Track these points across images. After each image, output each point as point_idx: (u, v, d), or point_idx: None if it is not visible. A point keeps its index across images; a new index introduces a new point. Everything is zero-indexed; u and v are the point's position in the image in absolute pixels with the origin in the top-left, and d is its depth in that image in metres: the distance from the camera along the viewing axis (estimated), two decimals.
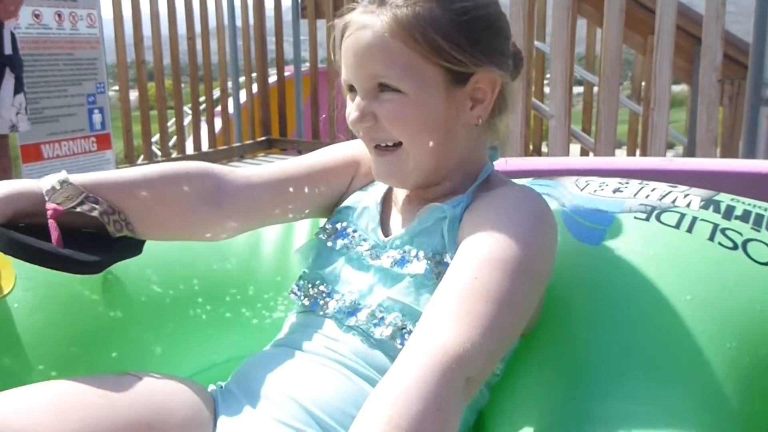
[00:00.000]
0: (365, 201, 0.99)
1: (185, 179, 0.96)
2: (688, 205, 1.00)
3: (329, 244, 0.98)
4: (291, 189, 1.00)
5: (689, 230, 0.94)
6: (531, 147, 4.49)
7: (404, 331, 0.85)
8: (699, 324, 0.85)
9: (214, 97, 4.78)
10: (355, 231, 0.97)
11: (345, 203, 1.02)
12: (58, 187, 0.88)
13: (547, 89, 3.38)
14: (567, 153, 2.88)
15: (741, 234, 0.93)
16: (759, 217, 0.97)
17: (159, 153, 4.56)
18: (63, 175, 0.90)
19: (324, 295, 0.94)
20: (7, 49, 2.15)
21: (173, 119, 4.58)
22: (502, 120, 0.95)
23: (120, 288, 1.02)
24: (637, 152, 4.16)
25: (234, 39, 4.78)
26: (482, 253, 0.77)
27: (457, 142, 0.90)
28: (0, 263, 0.95)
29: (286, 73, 5.10)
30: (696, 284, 0.88)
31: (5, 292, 0.95)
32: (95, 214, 0.87)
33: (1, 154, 2.24)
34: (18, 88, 2.19)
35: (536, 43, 4.09)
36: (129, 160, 4.13)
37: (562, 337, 0.90)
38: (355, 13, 0.87)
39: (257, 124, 5.09)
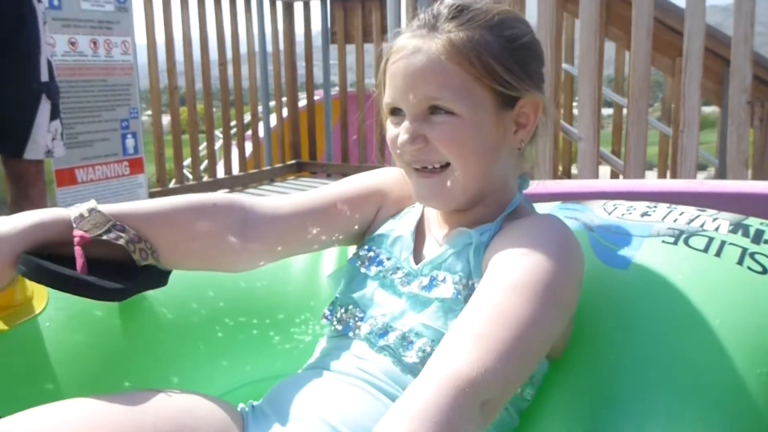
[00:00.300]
0: (399, 230, 1.01)
1: (212, 211, 0.98)
2: (716, 229, 0.99)
3: (363, 270, 1.00)
4: (317, 220, 1.02)
5: (718, 254, 0.94)
6: (561, 169, 4.47)
7: None
8: (729, 349, 0.84)
9: (245, 121, 4.86)
10: (389, 259, 0.98)
11: (379, 231, 1.03)
12: (86, 215, 0.90)
13: (575, 111, 3.38)
14: (596, 175, 2.86)
15: None
16: None
17: (191, 177, 4.63)
18: (92, 203, 0.92)
19: (357, 318, 0.95)
20: (44, 77, 2.21)
21: (205, 143, 4.66)
22: (533, 146, 0.97)
23: (150, 310, 1.04)
24: (668, 174, 4.11)
25: (265, 64, 4.86)
26: (503, 279, 0.78)
27: (500, 166, 0.93)
28: (33, 283, 0.98)
29: (316, 97, 5.16)
30: (725, 309, 0.87)
31: (37, 311, 0.97)
32: (121, 242, 0.89)
33: (37, 178, 2.29)
34: (54, 114, 2.25)
35: (565, 65, 4.09)
36: (161, 183, 4.21)
37: (591, 362, 0.90)
38: (404, 37, 0.90)
39: (287, 147, 5.15)
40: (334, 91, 5.14)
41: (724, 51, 2.81)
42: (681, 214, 1.04)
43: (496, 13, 0.90)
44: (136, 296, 1.02)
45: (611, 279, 0.95)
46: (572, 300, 0.84)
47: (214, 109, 4.58)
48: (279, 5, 4.89)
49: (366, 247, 1.02)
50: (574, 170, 4.57)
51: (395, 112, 0.92)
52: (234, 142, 4.74)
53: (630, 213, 1.07)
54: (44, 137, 2.22)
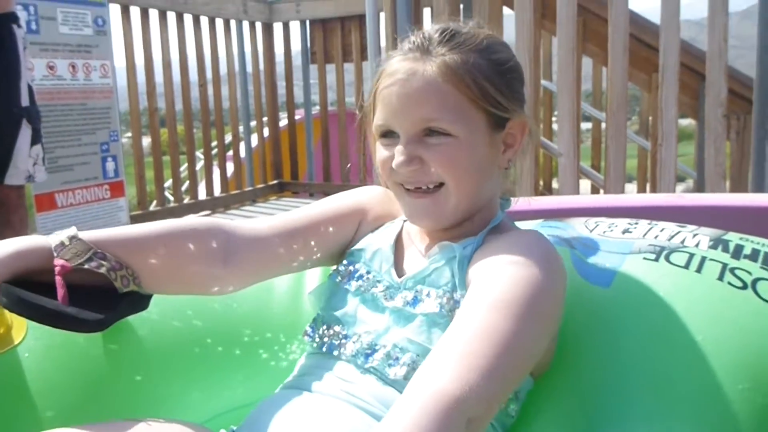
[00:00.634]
0: (377, 243, 1.01)
1: (193, 236, 0.98)
2: (696, 245, 1.00)
3: (344, 285, 1.00)
4: (298, 241, 1.02)
5: (698, 270, 0.95)
6: (542, 184, 4.50)
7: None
8: (711, 365, 0.85)
9: (226, 141, 4.84)
10: (369, 272, 0.98)
11: (357, 246, 1.03)
12: (67, 242, 0.90)
13: (555, 126, 3.41)
14: (577, 190, 2.88)
15: (750, 273, 0.94)
16: None
17: (172, 198, 4.60)
18: (72, 231, 0.91)
19: (340, 336, 0.95)
20: (24, 101, 2.19)
21: (186, 164, 4.64)
22: (514, 164, 0.99)
23: (131, 335, 1.03)
24: (647, 187, 4.15)
25: (245, 85, 4.86)
26: (486, 296, 0.78)
27: (489, 185, 0.95)
28: (12, 314, 0.96)
29: (297, 117, 5.17)
30: (706, 324, 0.88)
31: (16, 342, 0.96)
32: (103, 270, 0.89)
33: (18, 204, 2.26)
34: (35, 139, 2.23)
35: (543, 81, 4.14)
36: (142, 206, 4.18)
37: (575, 378, 0.90)
38: (395, 60, 0.92)
39: (269, 167, 5.14)
40: (315, 110, 5.16)
41: (700, 66, 2.86)
42: (662, 231, 1.05)
43: (483, 38, 0.92)
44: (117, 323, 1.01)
45: (593, 296, 0.95)
46: (555, 315, 0.84)
47: (194, 130, 4.56)
48: (258, 26, 4.90)
49: (345, 261, 1.03)
50: (554, 185, 4.61)
51: (387, 134, 0.93)
52: (215, 163, 4.72)
53: (611, 230, 1.08)
54: (25, 162, 2.20)
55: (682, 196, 1.89)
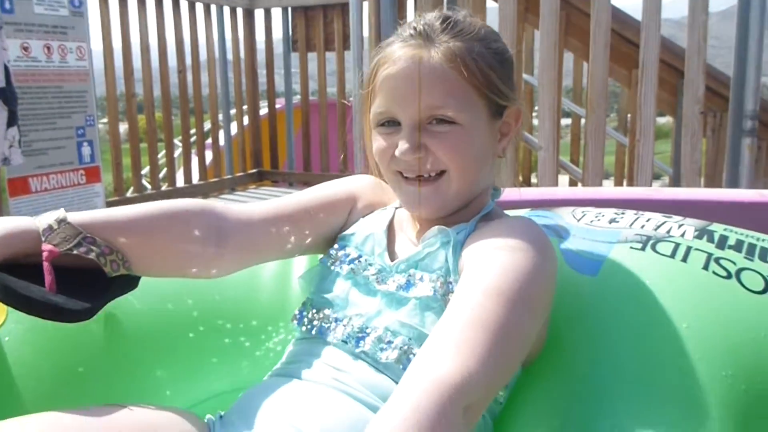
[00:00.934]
0: (370, 227, 1.01)
1: (185, 218, 0.97)
2: (682, 235, 1.01)
3: (335, 269, 0.99)
4: (289, 226, 1.02)
5: (684, 260, 0.96)
6: (521, 178, 4.53)
7: (409, 354, 0.86)
8: (696, 353, 0.86)
9: (205, 129, 4.80)
10: (360, 256, 0.98)
11: (349, 230, 1.03)
12: (55, 226, 0.88)
13: (535, 121, 3.43)
14: (556, 184, 2.91)
15: (734, 263, 0.95)
16: (752, 247, 0.99)
17: (149, 186, 4.55)
18: (61, 213, 0.89)
19: (330, 320, 0.94)
20: (0, 82, 2.15)
21: (164, 151, 4.58)
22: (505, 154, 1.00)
23: (114, 319, 1.02)
24: (624, 183, 4.20)
25: (225, 71, 4.81)
26: (481, 283, 0.78)
27: (486, 172, 0.96)
28: None
29: (277, 106, 5.13)
30: (692, 313, 0.89)
31: None
32: (92, 256, 0.87)
33: None
34: (11, 121, 2.19)
35: (525, 76, 4.16)
36: (118, 193, 4.12)
37: (562, 366, 0.91)
38: (396, 47, 0.91)
39: (248, 156, 5.11)
40: (296, 99, 5.12)
41: (679, 63, 2.89)
42: (648, 221, 1.06)
43: (481, 27, 0.93)
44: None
45: (581, 285, 0.96)
46: (547, 301, 0.85)
47: (173, 117, 4.51)
48: (239, 12, 4.85)
49: (336, 246, 1.02)
50: (533, 179, 4.64)
51: (387, 122, 0.93)
52: (194, 151, 4.67)
53: (598, 219, 1.09)
54: (1, 144, 2.16)
55: (658, 190, 1.92)
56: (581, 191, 1.93)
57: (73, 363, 0.96)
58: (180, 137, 4.66)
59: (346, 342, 0.91)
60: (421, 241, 0.95)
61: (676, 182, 3.12)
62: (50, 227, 0.88)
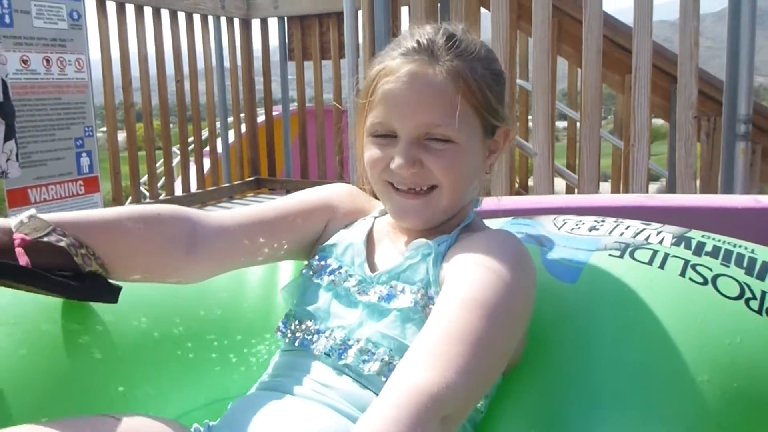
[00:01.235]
0: (350, 238, 1.02)
1: (157, 221, 0.97)
2: (660, 242, 1.03)
3: (315, 280, 1.00)
4: (264, 233, 1.02)
5: (661, 266, 0.97)
6: (517, 183, 4.54)
7: (391, 366, 0.86)
8: (673, 358, 0.87)
9: (203, 137, 4.81)
10: (341, 267, 0.99)
11: (329, 241, 1.04)
12: (26, 221, 0.89)
13: (530, 125, 3.44)
14: (552, 190, 2.92)
15: (711, 270, 0.96)
16: (728, 253, 1.01)
17: (147, 194, 4.57)
18: (31, 211, 0.91)
19: (312, 332, 0.95)
20: None
21: (162, 160, 4.60)
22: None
23: (100, 330, 1.02)
24: (621, 186, 4.20)
25: (222, 80, 4.83)
26: (459, 296, 0.79)
27: (473, 187, 0.98)
28: None
29: (275, 113, 5.15)
30: (669, 319, 0.90)
31: None
32: (62, 244, 0.88)
33: None
34: (8, 135, 2.21)
35: (519, 81, 4.17)
36: (117, 202, 4.14)
37: (542, 373, 0.92)
38: (399, 61, 0.92)
39: (246, 164, 5.12)
40: (293, 106, 5.14)
41: (671, 68, 2.91)
42: (627, 228, 1.08)
43: (481, 46, 0.95)
44: (87, 316, 1.00)
45: (561, 292, 0.98)
46: (526, 313, 0.86)
47: (171, 126, 4.53)
48: (236, 21, 4.88)
49: (317, 257, 1.03)
50: (530, 183, 4.64)
51: (383, 134, 0.93)
52: (192, 159, 4.69)
53: (579, 227, 1.10)
54: None
55: (652, 197, 1.93)
56: (563, 199, 1.95)
57: (62, 374, 0.97)
58: (178, 146, 4.68)
59: (329, 355, 0.92)
60: (401, 253, 0.96)
61: (672, 186, 3.13)
62: (21, 222, 0.89)
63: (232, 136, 5.02)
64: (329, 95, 4.82)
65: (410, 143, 0.91)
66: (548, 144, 2.80)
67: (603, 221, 1.12)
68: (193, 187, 4.65)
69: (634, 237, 1.05)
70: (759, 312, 0.91)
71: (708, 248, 1.01)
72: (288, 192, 5.10)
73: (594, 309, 0.95)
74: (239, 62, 4.93)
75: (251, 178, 5.13)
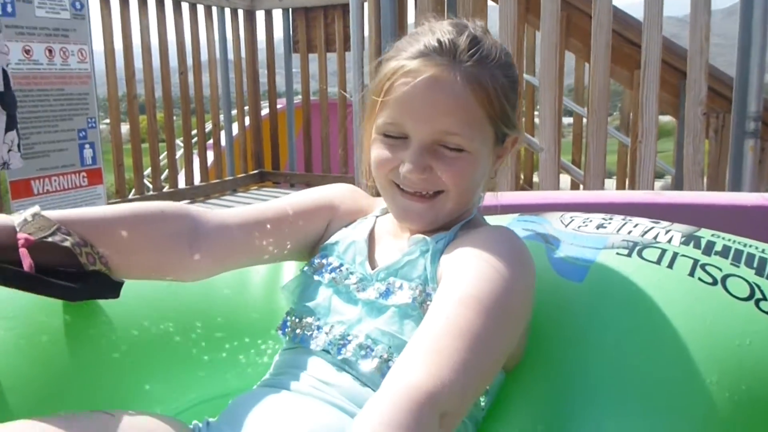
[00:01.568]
0: (352, 236, 1.01)
1: (160, 218, 0.97)
2: (669, 241, 1.01)
3: (316, 277, 0.99)
4: (266, 232, 1.01)
5: (670, 266, 0.95)
6: (522, 179, 4.51)
7: (389, 363, 0.86)
8: (681, 359, 0.85)
9: (206, 130, 4.80)
10: (342, 265, 0.98)
11: (331, 240, 1.03)
12: (30, 219, 0.88)
13: (537, 120, 3.42)
14: (557, 186, 2.89)
15: (720, 270, 0.94)
16: (738, 253, 0.98)
17: (151, 186, 4.56)
18: (35, 209, 0.90)
19: (312, 327, 0.95)
20: None
21: (165, 153, 4.59)
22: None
23: (99, 327, 1.01)
24: (626, 183, 4.18)
25: (226, 72, 4.82)
26: (457, 292, 0.78)
27: (478, 191, 0.98)
28: None
29: (278, 106, 5.13)
30: (677, 320, 0.88)
31: None
32: (67, 244, 0.87)
33: None
34: (10, 125, 2.19)
35: (526, 75, 4.14)
36: (120, 194, 4.13)
37: (546, 372, 0.91)
38: (419, 61, 0.89)
39: (250, 157, 5.11)
40: (297, 99, 5.12)
41: (681, 63, 2.87)
42: (635, 226, 1.06)
43: (500, 51, 0.93)
44: (87, 312, 0.99)
45: (567, 291, 0.96)
46: (525, 311, 0.85)
47: (174, 118, 4.52)
48: (240, 13, 4.86)
49: (319, 255, 1.03)
50: (535, 178, 4.62)
51: (395, 135, 0.92)
52: (195, 152, 4.67)
53: (586, 225, 1.08)
54: (0, 149, 2.16)
55: (660, 194, 1.90)
56: (568, 195, 1.93)
57: (63, 370, 0.96)
58: (182, 138, 4.66)
59: (328, 351, 0.91)
60: (400, 250, 0.95)
61: (678, 183, 3.11)
62: (25, 220, 0.88)
63: (235, 129, 5.00)
64: (334, 88, 4.79)
65: (422, 148, 0.89)
66: (555, 139, 2.77)
67: (611, 219, 1.09)
68: (197, 180, 4.64)
69: (643, 235, 1.02)
70: None
71: (718, 248, 0.99)
72: (292, 185, 5.09)
73: (601, 308, 0.93)
74: (243, 54, 4.91)
75: (255, 171, 5.12)
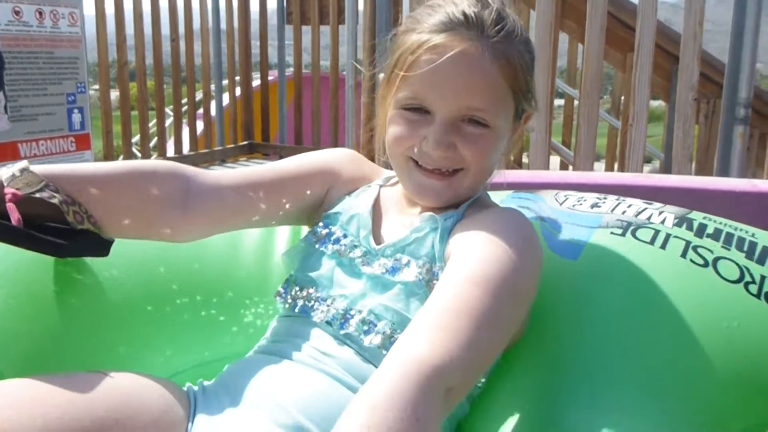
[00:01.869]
0: (355, 207, 1.00)
1: (152, 177, 0.95)
2: (662, 222, 1.02)
3: (319, 247, 0.98)
4: (261, 194, 1.00)
5: (663, 247, 0.97)
6: (512, 158, 4.52)
7: (393, 339, 0.86)
8: (672, 339, 0.87)
9: (197, 99, 4.76)
10: (346, 236, 0.97)
11: (335, 209, 1.02)
12: (18, 174, 0.87)
13: None
14: (547, 166, 2.91)
15: (712, 252, 0.96)
16: (729, 236, 1.00)
17: (139, 154, 4.52)
18: (24, 163, 0.88)
19: (313, 299, 0.94)
20: None
21: (154, 121, 4.54)
22: None
23: (93, 290, 1.01)
24: (615, 166, 4.20)
25: (218, 42, 4.76)
26: (466, 271, 0.78)
27: (494, 168, 0.97)
28: None
29: (270, 78, 5.09)
30: (669, 300, 0.90)
31: None
32: (55, 201, 0.86)
33: None
34: None
35: None
36: (108, 160, 4.10)
37: (542, 350, 0.92)
38: (445, 35, 0.87)
39: (240, 128, 5.07)
40: (289, 72, 5.08)
41: (674, 48, 2.88)
42: (629, 207, 1.07)
43: (520, 27, 0.92)
44: (78, 272, 0.99)
45: (562, 269, 0.97)
46: (531, 292, 0.85)
47: (164, 86, 4.47)
48: None
49: (321, 224, 1.01)
50: (525, 159, 4.63)
51: (415, 110, 0.90)
52: (185, 121, 4.63)
53: (581, 204, 1.09)
54: None
55: (649, 176, 1.92)
56: (557, 175, 1.94)
57: (54, 330, 0.96)
58: (171, 107, 4.61)
59: (330, 324, 0.91)
60: (408, 226, 0.94)
61: (667, 168, 3.13)
62: (13, 175, 0.87)
63: (226, 99, 4.96)
64: (326, 62, 4.75)
65: (446, 124, 0.88)
66: (546, 120, 2.78)
67: (605, 198, 1.11)
68: (186, 149, 4.61)
69: (636, 216, 1.04)
70: (758, 296, 0.91)
71: (709, 230, 1.01)
72: (281, 158, 5.03)
73: (595, 287, 0.94)
74: (236, 24, 4.85)
75: (244, 143, 5.09)
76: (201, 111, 4.87)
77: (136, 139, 4.53)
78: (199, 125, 4.74)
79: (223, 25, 4.76)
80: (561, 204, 1.10)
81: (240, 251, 1.16)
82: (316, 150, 1.09)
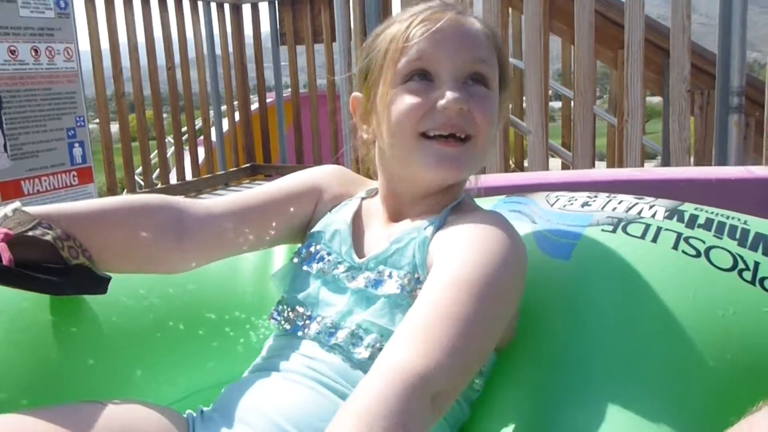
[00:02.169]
0: (335, 223, 1.00)
1: (144, 211, 0.96)
2: (653, 216, 1.02)
3: (305, 268, 0.99)
4: (252, 218, 1.01)
5: (654, 240, 0.97)
6: (512, 163, 4.53)
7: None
8: (667, 331, 0.87)
9: (197, 126, 4.79)
10: (329, 254, 0.98)
11: (317, 227, 1.03)
12: (10, 214, 0.88)
13: (525, 105, 3.43)
14: (546, 168, 2.91)
15: (704, 242, 0.96)
16: (721, 225, 1.00)
17: (143, 184, 4.55)
18: (16, 204, 0.89)
19: (304, 317, 0.95)
20: None
21: (156, 150, 4.58)
22: None
23: (91, 317, 1.01)
24: (616, 165, 4.20)
25: (214, 67, 4.80)
26: (446, 276, 0.78)
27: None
28: None
29: (268, 100, 5.13)
30: (662, 292, 0.90)
31: None
32: (48, 238, 0.86)
33: None
34: None
35: (512, 59, 4.14)
36: (112, 192, 4.12)
37: (537, 350, 0.92)
38: (430, 12, 0.92)
39: (241, 150, 5.10)
40: (286, 92, 5.12)
41: (664, 42, 2.89)
42: (620, 203, 1.07)
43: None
44: (77, 303, 0.99)
45: (554, 269, 0.97)
46: (515, 294, 0.85)
47: (164, 115, 4.51)
48: (226, 7, 4.84)
49: (306, 243, 1.02)
50: (526, 163, 4.63)
51: (418, 76, 0.90)
52: (186, 148, 4.67)
53: (571, 204, 1.10)
54: None
55: (644, 170, 1.92)
56: (551, 175, 1.94)
57: (50, 360, 0.96)
58: (172, 135, 4.65)
59: (319, 336, 0.91)
60: (388, 237, 0.94)
61: (665, 161, 3.12)
62: (5, 215, 0.87)
63: (226, 124, 4.99)
64: (322, 80, 4.79)
65: (455, 81, 0.90)
66: (542, 121, 2.79)
67: (596, 197, 1.11)
68: (189, 176, 4.63)
69: (627, 211, 1.04)
70: (752, 283, 0.91)
71: (701, 221, 1.01)
72: None
73: (588, 284, 0.94)
74: (231, 49, 4.90)
75: (246, 165, 5.12)
76: (202, 138, 4.90)
77: (139, 170, 4.56)
78: (201, 152, 4.78)
79: (218, 51, 4.81)
80: (552, 205, 1.11)
81: (238, 274, 1.17)
82: (294, 173, 1.10)
